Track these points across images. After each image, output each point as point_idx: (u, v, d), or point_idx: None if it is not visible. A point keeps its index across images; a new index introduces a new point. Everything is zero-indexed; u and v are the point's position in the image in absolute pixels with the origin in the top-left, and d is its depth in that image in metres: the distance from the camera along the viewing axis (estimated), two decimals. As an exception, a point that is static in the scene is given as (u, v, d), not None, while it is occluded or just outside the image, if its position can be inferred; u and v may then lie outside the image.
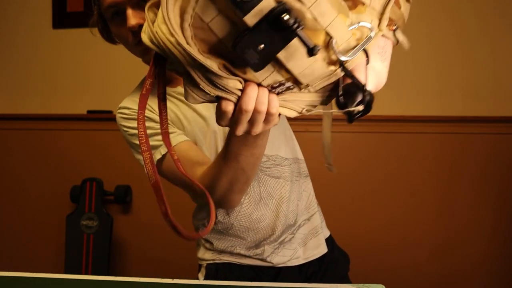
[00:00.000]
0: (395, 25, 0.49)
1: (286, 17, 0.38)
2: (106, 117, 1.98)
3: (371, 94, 0.48)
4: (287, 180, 0.91)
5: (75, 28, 2.03)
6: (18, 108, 2.10)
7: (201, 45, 0.44)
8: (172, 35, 0.43)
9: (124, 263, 2.06)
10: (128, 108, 0.86)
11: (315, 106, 0.52)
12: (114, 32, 0.82)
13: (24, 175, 2.09)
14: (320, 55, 0.44)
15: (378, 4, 0.46)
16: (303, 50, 0.42)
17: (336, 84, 0.48)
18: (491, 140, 1.84)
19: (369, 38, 0.45)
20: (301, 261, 0.92)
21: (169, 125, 0.78)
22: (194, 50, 0.43)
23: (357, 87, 0.46)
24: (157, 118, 0.81)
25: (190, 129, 0.86)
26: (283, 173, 0.90)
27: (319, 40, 0.43)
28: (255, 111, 0.50)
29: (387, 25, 0.47)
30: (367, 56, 0.46)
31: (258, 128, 0.53)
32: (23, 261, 2.10)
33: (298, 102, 0.51)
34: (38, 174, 2.07)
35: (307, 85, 0.48)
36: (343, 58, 0.45)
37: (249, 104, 0.48)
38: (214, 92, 0.47)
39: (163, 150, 0.81)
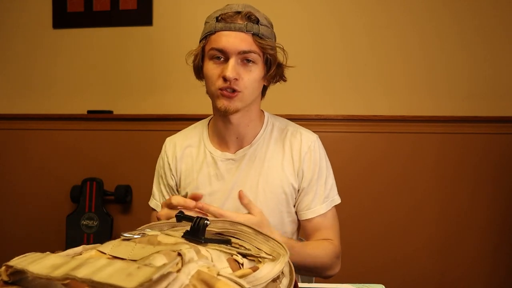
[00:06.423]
0: None
1: None
2: (106, 117, 1.97)
3: None
4: None
5: (75, 28, 2.03)
6: (18, 108, 2.10)
7: None
8: None
9: (124, 263, 2.05)
10: (166, 152, 1.04)
11: None
12: (206, 69, 0.90)
13: (24, 175, 2.09)
14: None
15: None
16: None
17: None
18: (491, 140, 1.84)
19: None
20: None
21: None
22: None
23: None
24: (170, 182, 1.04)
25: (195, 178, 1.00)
26: None
27: None
28: None
29: None
30: None
31: None
32: (23, 261, 2.09)
33: None
34: (38, 174, 2.07)
35: None
36: None
37: None
38: None
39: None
